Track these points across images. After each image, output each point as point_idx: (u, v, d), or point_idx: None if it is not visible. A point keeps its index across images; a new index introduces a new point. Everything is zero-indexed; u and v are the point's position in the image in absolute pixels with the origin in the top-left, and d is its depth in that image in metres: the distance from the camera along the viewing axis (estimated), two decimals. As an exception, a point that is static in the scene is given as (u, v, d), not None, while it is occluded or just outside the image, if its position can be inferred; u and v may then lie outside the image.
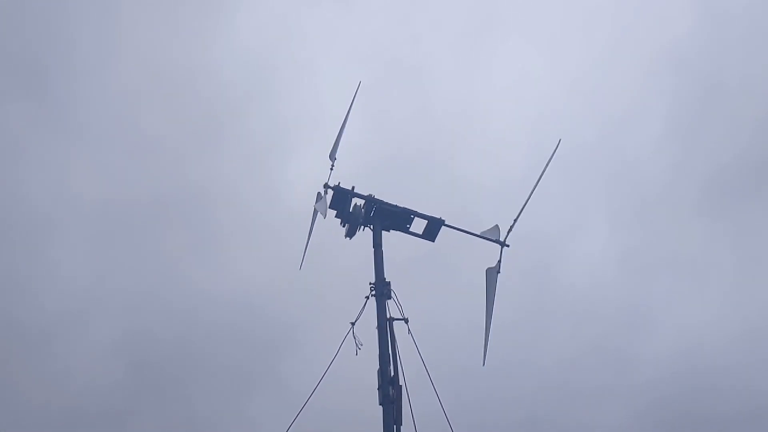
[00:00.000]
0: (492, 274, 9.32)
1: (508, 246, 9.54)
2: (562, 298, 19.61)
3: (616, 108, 22.05)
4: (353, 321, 8.68)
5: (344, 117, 9.50)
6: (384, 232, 9.34)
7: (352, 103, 9.49)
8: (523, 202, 9.55)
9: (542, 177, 9.66)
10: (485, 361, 8.97)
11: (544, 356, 18.48)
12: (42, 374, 18.71)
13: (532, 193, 9.60)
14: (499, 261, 9.40)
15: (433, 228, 9.53)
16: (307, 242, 9.21)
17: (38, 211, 20.40)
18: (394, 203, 9.37)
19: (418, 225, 9.52)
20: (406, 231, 9.53)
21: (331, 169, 9.23)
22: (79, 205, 20.55)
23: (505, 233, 9.54)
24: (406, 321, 8.62)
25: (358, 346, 8.53)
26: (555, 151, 9.84)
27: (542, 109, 22.36)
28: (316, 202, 9.21)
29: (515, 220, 9.46)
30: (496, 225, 9.63)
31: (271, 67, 22.66)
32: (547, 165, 9.77)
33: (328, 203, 9.22)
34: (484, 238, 9.61)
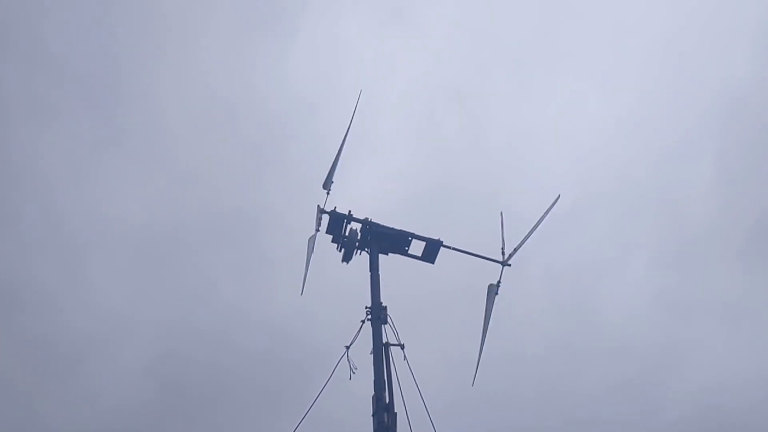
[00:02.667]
0: (492, 290, 9.18)
1: (509, 265, 9.39)
2: (597, 332, 19.54)
3: (668, 144, 21.85)
4: (348, 345, 8.60)
5: (341, 143, 9.41)
6: (383, 256, 9.30)
7: (351, 119, 9.42)
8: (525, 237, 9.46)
9: (539, 225, 9.56)
10: (474, 382, 8.92)
11: (575, 390, 18.36)
12: (72, 395, 18.96)
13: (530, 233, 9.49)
14: (499, 280, 9.24)
15: (432, 249, 9.41)
16: (307, 268, 9.15)
17: (80, 231, 20.86)
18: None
19: (418, 247, 9.45)
20: (405, 253, 9.44)
21: (327, 193, 9.18)
22: (120, 227, 20.85)
23: (509, 254, 9.40)
24: (402, 347, 8.50)
25: (352, 370, 8.44)
26: (553, 205, 9.72)
27: (593, 143, 22.38)
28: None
29: (520, 244, 9.34)
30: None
31: (326, 95, 22.77)
32: (543, 217, 9.65)
33: (325, 228, 9.20)
34: (485, 258, 9.47)
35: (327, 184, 9.12)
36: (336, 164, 9.20)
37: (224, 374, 19.06)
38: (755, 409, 17.94)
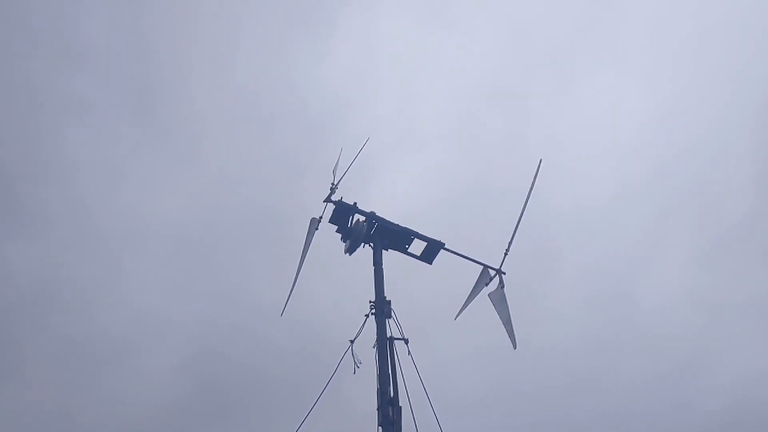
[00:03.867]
0: (495, 295, 9.27)
1: (504, 273, 9.47)
2: (631, 327, 19.81)
3: (705, 141, 21.92)
4: (352, 339, 8.47)
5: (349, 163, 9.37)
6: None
7: (356, 156, 9.43)
8: (515, 226, 9.51)
9: (528, 200, 9.61)
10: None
11: (607, 383, 18.66)
12: (108, 392, 18.39)
13: (520, 219, 9.53)
14: (500, 284, 9.32)
15: (432, 250, 9.41)
16: (305, 252, 9.02)
17: (118, 230, 20.62)
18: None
19: (418, 247, 9.43)
20: (405, 251, 9.40)
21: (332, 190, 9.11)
22: (157, 226, 20.56)
23: (501, 260, 9.50)
24: (406, 341, 8.45)
25: (357, 364, 8.31)
26: (537, 172, 9.80)
27: (632, 139, 22.45)
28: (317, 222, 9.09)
29: (508, 247, 9.40)
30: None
31: (364, 94, 22.37)
32: (531, 188, 9.72)
33: (329, 218, 9.11)
34: (481, 264, 9.54)
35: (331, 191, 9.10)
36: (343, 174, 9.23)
37: (258, 372, 18.65)
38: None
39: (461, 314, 9.44)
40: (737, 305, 20.18)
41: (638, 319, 19.99)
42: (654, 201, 21.61)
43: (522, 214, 9.49)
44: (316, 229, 9.12)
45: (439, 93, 23.06)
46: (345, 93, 22.48)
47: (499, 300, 9.13)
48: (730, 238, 21.07)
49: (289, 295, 8.90)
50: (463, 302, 9.40)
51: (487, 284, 9.41)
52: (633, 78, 23.47)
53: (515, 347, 8.83)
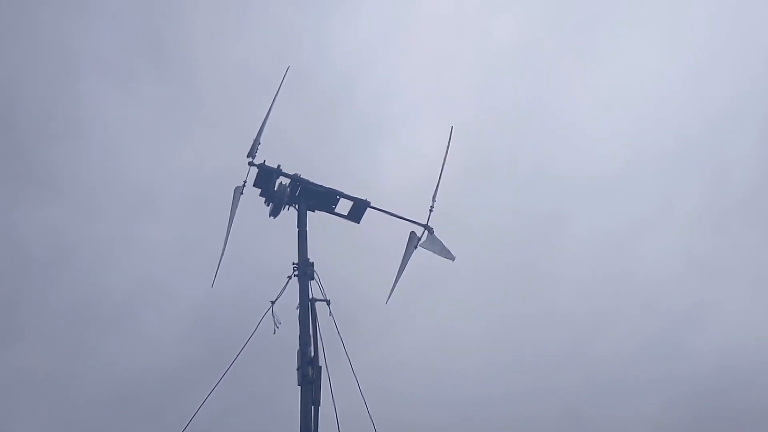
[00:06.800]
0: (413, 238, 9.50)
1: (432, 229, 9.57)
2: (629, 292, 20.02)
3: (721, 106, 21.78)
4: (273, 300, 8.60)
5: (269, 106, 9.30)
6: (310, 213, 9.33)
7: (278, 88, 9.33)
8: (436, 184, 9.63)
9: (444, 165, 9.73)
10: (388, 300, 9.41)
11: (601, 351, 18.93)
12: (123, 346, 18.35)
13: (439, 182, 9.66)
14: (420, 237, 9.51)
15: (359, 209, 9.49)
16: (231, 221, 9.08)
17: (139, 186, 20.40)
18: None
19: (345, 206, 9.51)
20: (332, 212, 9.48)
21: (251, 163, 9.08)
22: (177, 182, 20.30)
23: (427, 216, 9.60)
24: (328, 302, 8.58)
25: (276, 325, 8.46)
26: (449, 139, 9.92)
27: (652, 104, 22.32)
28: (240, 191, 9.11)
29: (432, 204, 9.51)
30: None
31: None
32: (446, 153, 9.84)
33: (253, 182, 9.14)
34: (409, 221, 9.63)
35: (252, 152, 9.03)
36: (261, 133, 9.11)
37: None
38: (766, 368, 18.39)
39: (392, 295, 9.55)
40: (734, 269, 20.41)
41: (636, 283, 20.26)
42: (670, 166, 21.77)
43: (441, 173, 9.66)
44: (241, 193, 9.12)
45: (456, 58, 22.86)
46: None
47: (411, 243, 9.37)
48: (735, 203, 21.17)
49: (218, 266, 8.93)
50: (394, 279, 9.48)
51: (416, 247, 9.53)
52: (654, 42, 23.24)
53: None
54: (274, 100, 9.27)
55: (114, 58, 21.26)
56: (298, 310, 8.52)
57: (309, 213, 9.31)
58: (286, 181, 9.20)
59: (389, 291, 9.50)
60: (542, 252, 19.96)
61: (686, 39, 22.87)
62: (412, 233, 9.57)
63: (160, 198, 20.19)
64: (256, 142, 9.13)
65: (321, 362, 8.17)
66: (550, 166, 20.78)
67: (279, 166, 9.17)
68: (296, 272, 8.71)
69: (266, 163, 9.10)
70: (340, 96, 21.20)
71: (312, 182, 9.26)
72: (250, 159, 9.05)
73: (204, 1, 21.98)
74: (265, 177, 9.12)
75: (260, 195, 9.19)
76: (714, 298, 19.99)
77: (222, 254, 8.92)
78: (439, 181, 9.56)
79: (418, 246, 9.53)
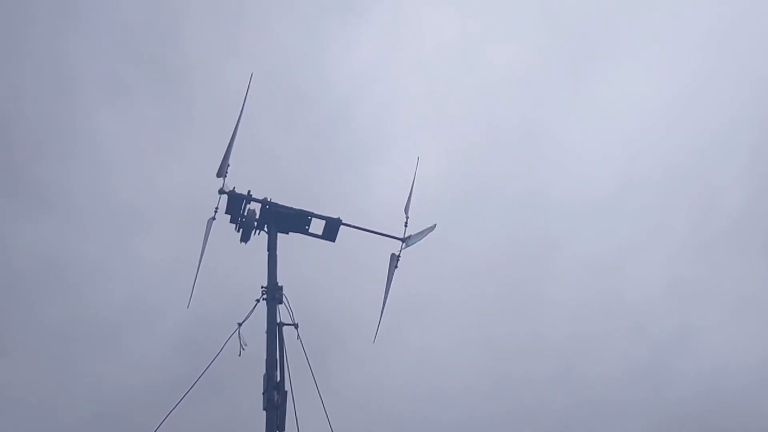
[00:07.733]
0: (393, 259, 9.54)
1: (408, 239, 9.58)
2: (616, 317, 20.07)
3: (710, 134, 22.00)
4: (240, 322, 8.73)
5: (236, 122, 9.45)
6: (284, 235, 9.44)
7: (244, 103, 9.45)
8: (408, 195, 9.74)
9: (412, 190, 9.84)
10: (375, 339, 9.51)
11: (589, 373, 18.96)
12: (110, 363, 18.44)
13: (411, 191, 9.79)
14: (398, 253, 9.56)
15: (332, 228, 9.53)
16: (202, 252, 9.24)
17: (131, 203, 20.49)
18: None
19: (318, 226, 9.57)
20: (306, 232, 9.55)
21: (224, 179, 9.21)
22: (170, 201, 20.04)
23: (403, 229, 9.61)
24: (296, 326, 8.66)
25: (242, 346, 8.57)
26: (416, 167, 10.02)
27: (641, 130, 22.52)
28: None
29: (407, 218, 9.54)
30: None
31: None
32: (413, 182, 9.92)
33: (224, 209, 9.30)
34: (384, 235, 9.64)
35: (221, 172, 9.16)
36: (230, 151, 9.23)
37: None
38: (750, 392, 18.60)
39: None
40: (717, 296, 20.38)
41: (623, 308, 20.20)
42: (658, 192, 21.91)
43: (411, 191, 9.79)
44: (214, 219, 9.28)
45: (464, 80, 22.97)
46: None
47: (392, 264, 9.47)
48: (721, 230, 21.14)
49: (192, 292, 9.13)
50: (381, 308, 9.53)
51: (396, 267, 9.56)
52: (645, 70, 23.33)
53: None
54: (241, 113, 9.44)
55: (108, 76, 21.41)
56: (266, 335, 8.64)
57: (285, 235, 9.46)
58: (257, 206, 9.35)
59: (377, 323, 9.56)
60: (532, 274, 20.05)
61: (675, 68, 22.99)
62: (392, 255, 9.59)
63: (152, 216, 20.11)
64: (225, 162, 9.27)
65: (287, 387, 8.28)
66: (543, 190, 21.04)
67: (249, 191, 9.31)
68: (264, 296, 8.84)
69: (253, 188, 9.28)
70: (338, 119, 21.30)
71: (281, 205, 9.36)
72: (221, 186, 9.21)
73: (203, 22, 22.10)
74: (235, 203, 9.28)
75: (230, 222, 9.34)
76: (700, 322, 20.03)
77: (195, 280, 9.11)
78: (409, 199, 9.75)
79: (404, 248, 9.57)
